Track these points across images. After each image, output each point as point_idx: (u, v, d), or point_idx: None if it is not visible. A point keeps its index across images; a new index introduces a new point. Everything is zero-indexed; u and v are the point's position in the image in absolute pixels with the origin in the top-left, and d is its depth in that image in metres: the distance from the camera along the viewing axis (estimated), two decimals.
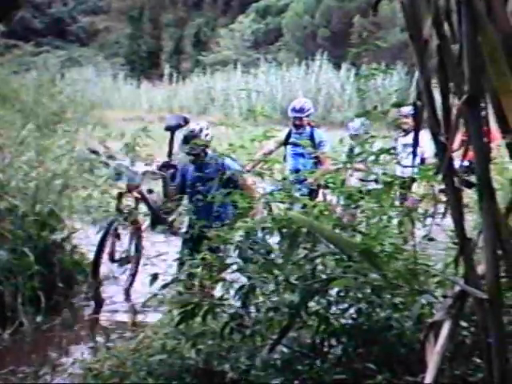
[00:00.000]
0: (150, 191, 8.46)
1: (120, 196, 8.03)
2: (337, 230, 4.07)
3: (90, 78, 37.33)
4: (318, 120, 30.39)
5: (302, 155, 8.86)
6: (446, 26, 2.29)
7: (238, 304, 3.95)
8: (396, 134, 8.92)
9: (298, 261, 3.94)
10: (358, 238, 3.93)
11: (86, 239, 7.74)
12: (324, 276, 3.78)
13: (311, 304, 3.84)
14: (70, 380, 4.74)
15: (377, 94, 26.03)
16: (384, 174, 4.08)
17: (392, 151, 4.08)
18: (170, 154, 8.81)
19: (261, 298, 4.00)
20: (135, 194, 8.07)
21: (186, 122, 8.67)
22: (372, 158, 4.06)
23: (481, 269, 2.28)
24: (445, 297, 2.58)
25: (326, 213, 4.19)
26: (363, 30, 36.20)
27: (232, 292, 3.99)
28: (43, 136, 8.07)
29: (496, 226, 2.15)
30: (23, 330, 6.39)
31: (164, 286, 4.34)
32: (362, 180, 4.22)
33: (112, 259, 7.88)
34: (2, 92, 12.13)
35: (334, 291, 3.85)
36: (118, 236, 7.89)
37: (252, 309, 3.98)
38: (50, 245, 7.14)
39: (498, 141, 2.54)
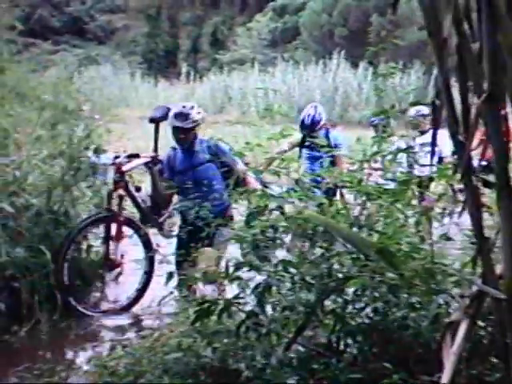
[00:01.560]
0: (138, 189, 7.81)
1: (110, 195, 7.44)
2: (353, 229, 4.06)
3: (107, 77, 37.39)
4: (335, 119, 30.38)
5: (317, 158, 8.55)
6: (465, 25, 2.28)
7: (254, 303, 3.95)
8: (413, 133, 8.83)
9: (314, 260, 3.93)
10: (375, 237, 3.92)
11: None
12: (340, 275, 3.78)
13: (327, 303, 3.83)
14: (86, 378, 4.75)
15: (394, 93, 25.95)
16: (401, 172, 4.07)
17: (409, 150, 4.07)
18: (155, 148, 7.99)
19: (277, 297, 3.99)
20: (120, 191, 7.47)
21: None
22: (389, 157, 4.06)
23: (499, 269, 2.27)
24: (462, 297, 2.56)
25: (342, 212, 4.18)
26: (381, 29, 36.16)
27: (248, 291, 3.98)
28: (59, 134, 8.03)
29: None
30: (40, 328, 6.41)
31: (179, 285, 4.35)
32: (387, 179, 4.20)
33: (106, 265, 7.41)
34: (20, 90, 12.13)
35: (350, 290, 3.85)
36: (111, 238, 7.37)
37: (268, 307, 3.97)
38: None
39: None
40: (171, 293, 4.65)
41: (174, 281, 4.60)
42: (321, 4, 42.92)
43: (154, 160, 7.70)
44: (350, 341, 3.83)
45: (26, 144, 7.49)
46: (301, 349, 3.89)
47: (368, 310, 3.81)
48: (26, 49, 42.42)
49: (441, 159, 8.69)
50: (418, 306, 3.65)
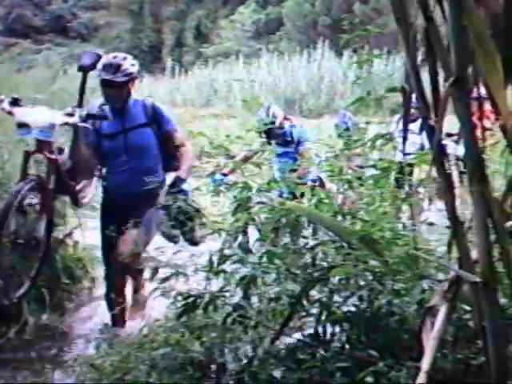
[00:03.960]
0: (61, 150, 6.40)
1: (28, 156, 6.04)
2: (337, 218, 4.06)
3: (92, 74, 37.21)
4: (321, 108, 30.28)
5: (286, 153, 8.52)
6: (438, 9, 2.28)
7: (240, 295, 3.94)
8: (392, 119, 8.85)
9: (298, 250, 3.93)
10: (358, 225, 3.92)
11: (89, 231, 7.61)
12: (325, 264, 3.78)
13: (313, 293, 3.83)
14: (73, 377, 4.75)
15: (378, 80, 25.96)
16: (381, 159, 4.07)
17: (388, 136, 4.07)
18: (80, 101, 6.69)
19: (262, 289, 3.99)
20: (47, 154, 6.06)
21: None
22: (369, 144, 4.06)
23: (475, 252, 2.27)
24: (440, 281, 2.57)
25: (325, 201, 4.17)
26: (363, 17, 36.17)
27: (233, 283, 3.98)
28: None
29: (487, 209, 2.14)
30: (28, 328, 6.40)
31: (164, 280, 4.31)
32: (360, 167, 4.21)
33: (15, 242, 5.94)
34: (3, 90, 12.08)
35: (335, 279, 3.85)
36: (23, 212, 5.93)
37: (254, 299, 3.97)
38: (52, 242, 7.09)
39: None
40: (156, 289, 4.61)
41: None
42: None
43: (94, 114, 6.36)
44: (336, 330, 3.83)
45: (8, 144, 7.42)
46: (288, 339, 3.89)
47: (353, 298, 3.80)
48: (8, 49, 42.33)
49: (423, 149, 8.75)
50: (403, 292, 3.65)
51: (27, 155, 6.03)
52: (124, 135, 6.18)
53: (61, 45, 50.45)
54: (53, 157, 6.08)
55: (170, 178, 6.05)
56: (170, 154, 6.21)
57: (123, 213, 5.80)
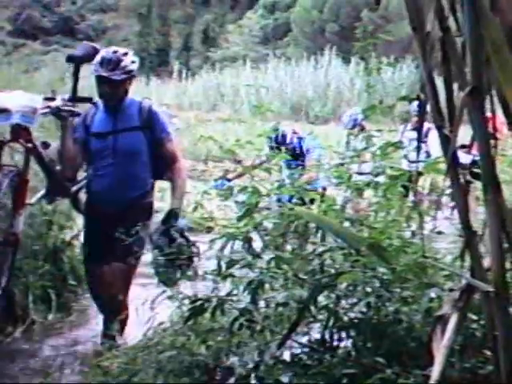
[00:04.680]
0: (46, 145, 5.88)
1: (1, 146, 5.55)
2: (345, 224, 4.07)
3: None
4: (327, 115, 30.28)
5: (296, 164, 8.56)
6: (451, 18, 2.30)
7: (247, 299, 3.95)
8: (402, 127, 8.88)
9: (306, 256, 3.94)
10: (366, 233, 3.93)
11: None
12: (332, 270, 3.78)
13: (320, 299, 3.83)
14: (80, 378, 4.76)
15: (386, 88, 25.98)
16: (391, 167, 4.08)
17: (398, 145, 4.08)
18: (74, 91, 6.05)
19: (270, 294, 3.99)
20: (24, 142, 5.55)
21: (97, 52, 5.92)
22: (378, 151, 4.07)
23: (487, 262, 2.28)
24: (451, 290, 2.57)
25: (334, 207, 4.19)
26: (371, 24, 36.23)
27: (241, 287, 3.98)
28: (51, 133, 8.00)
29: (501, 219, 2.15)
30: (34, 328, 6.41)
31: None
32: (359, 173, 4.23)
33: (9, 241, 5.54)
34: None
35: (343, 285, 3.85)
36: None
37: (261, 304, 3.98)
38: (59, 243, 7.12)
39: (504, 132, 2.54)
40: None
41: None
42: (311, 0, 42.97)
43: (84, 98, 5.99)
44: (343, 336, 3.83)
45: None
46: (294, 345, 3.89)
47: (361, 304, 3.80)
48: (17, 50, 42.43)
49: (429, 157, 8.81)
50: (410, 300, 3.66)
51: (1, 144, 5.56)
52: (114, 136, 5.66)
53: (68, 46, 50.51)
54: (30, 145, 5.58)
55: (164, 211, 5.64)
56: (161, 163, 5.72)
57: (108, 222, 5.34)
